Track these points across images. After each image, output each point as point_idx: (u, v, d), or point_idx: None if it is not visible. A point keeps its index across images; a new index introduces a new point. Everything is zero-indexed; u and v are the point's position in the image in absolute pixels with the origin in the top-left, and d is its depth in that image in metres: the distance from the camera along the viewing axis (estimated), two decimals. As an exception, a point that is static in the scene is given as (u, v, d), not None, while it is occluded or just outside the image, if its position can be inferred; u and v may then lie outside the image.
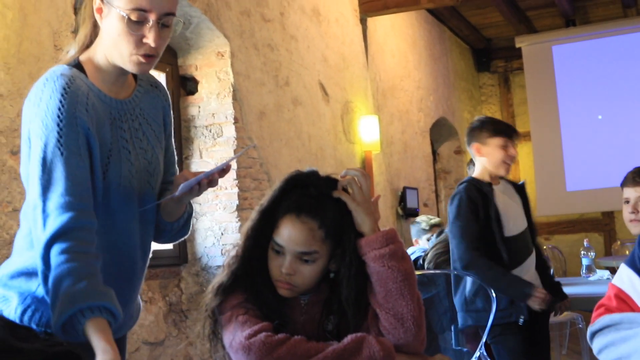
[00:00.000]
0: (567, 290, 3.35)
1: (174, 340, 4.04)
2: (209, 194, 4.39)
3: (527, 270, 3.17)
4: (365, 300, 1.63)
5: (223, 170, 1.74)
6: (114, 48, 1.63)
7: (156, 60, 1.66)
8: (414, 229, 4.99)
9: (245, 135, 4.55)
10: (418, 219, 5.07)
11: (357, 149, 6.16)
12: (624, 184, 3.10)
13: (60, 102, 1.55)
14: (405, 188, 7.03)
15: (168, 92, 1.92)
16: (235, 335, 1.57)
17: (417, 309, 1.59)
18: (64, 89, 1.56)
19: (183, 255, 4.37)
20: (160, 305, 4.00)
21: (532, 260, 3.23)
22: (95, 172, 1.61)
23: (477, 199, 3.13)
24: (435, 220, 4.96)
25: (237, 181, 4.42)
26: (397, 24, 7.48)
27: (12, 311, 1.60)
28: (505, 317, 3.08)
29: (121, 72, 1.69)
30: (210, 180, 1.72)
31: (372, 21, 6.72)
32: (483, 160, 3.21)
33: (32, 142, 1.56)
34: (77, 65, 1.66)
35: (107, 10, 1.62)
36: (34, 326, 1.59)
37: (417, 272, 1.66)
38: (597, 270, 4.54)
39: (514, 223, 3.18)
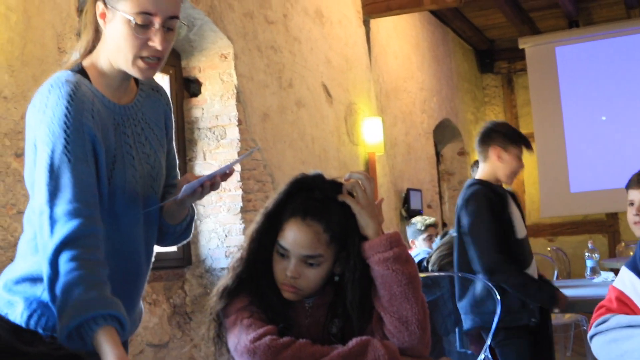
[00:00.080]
0: (571, 292, 3.35)
1: (178, 342, 4.05)
2: (212, 195, 4.40)
3: (533, 272, 3.19)
4: (369, 304, 1.63)
5: (226, 174, 1.74)
6: (119, 52, 1.62)
7: (161, 65, 1.66)
8: (409, 230, 5.00)
9: (248, 137, 4.55)
10: (413, 220, 5.09)
11: (360, 151, 6.16)
12: (629, 186, 3.09)
13: (67, 108, 1.55)
14: (408, 190, 7.03)
15: (169, 96, 1.91)
16: (240, 339, 1.57)
17: (421, 312, 1.59)
18: (70, 95, 1.56)
19: (187, 257, 4.37)
20: (164, 307, 4.00)
21: (534, 262, 3.25)
22: (101, 178, 1.60)
23: (494, 201, 3.12)
24: (430, 220, 4.98)
25: (240, 183, 4.42)
26: (400, 26, 7.47)
27: (17, 316, 1.59)
28: (517, 320, 3.07)
29: (125, 76, 1.69)
30: (212, 183, 1.72)
31: (375, 23, 6.72)
32: (498, 165, 3.20)
33: (38, 149, 1.55)
34: (81, 70, 1.66)
35: (112, 15, 1.61)
36: (40, 330, 1.59)
37: (421, 275, 1.65)
38: (602, 272, 4.52)
39: (520, 226, 3.20)
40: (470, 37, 9.55)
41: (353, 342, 1.56)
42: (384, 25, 7.00)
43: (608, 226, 9.47)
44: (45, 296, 1.55)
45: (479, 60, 10.18)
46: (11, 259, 1.71)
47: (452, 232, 3.64)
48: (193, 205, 1.86)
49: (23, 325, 1.59)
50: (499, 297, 2.80)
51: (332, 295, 1.67)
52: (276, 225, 1.63)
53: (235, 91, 4.48)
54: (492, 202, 3.10)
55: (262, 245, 1.64)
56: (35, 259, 1.59)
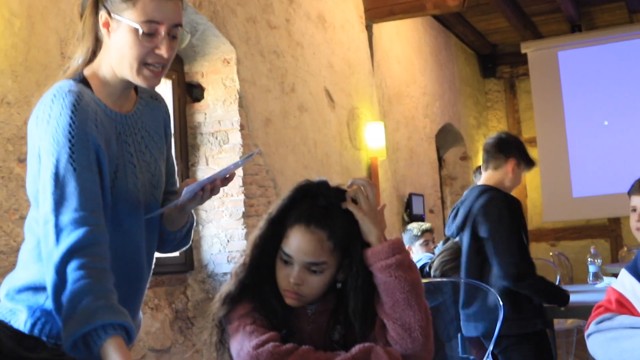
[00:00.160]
0: (574, 297, 3.35)
1: (180, 347, 4.04)
2: (214, 200, 4.40)
3: None
4: (372, 311, 1.63)
5: (226, 178, 1.75)
6: (124, 61, 1.62)
7: (164, 73, 1.67)
8: (406, 237, 4.99)
9: (251, 142, 4.55)
10: (409, 226, 5.09)
11: (362, 156, 6.16)
12: (632, 192, 3.09)
13: (71, 118, 1.55)
14: (411, 194, 7.03)
15: (171, 101, 1.92)
16: (243, 345, 1.57)
17: (424, 319, 1.59)
18: (74, 105, 1.56)
19: (189, 262, 4.37)
20: (166, 312, 4.00)
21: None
22: (105, 187, 1.61)
23: (512, 207, 3.14)
24: (426, 225, 4.98)
25: (243, 188, 4.43)
26: (403, 30, 7.48)
27: (21, 323, 1.59)
28: (531, 326, 3.09)
29: (127, 85, 1.70)
30: (213, 187, 1.72)
31: (377, 27, 6.72)
32: (509, 176, 3.26)
33: (42, 159, 1.56)
34: (83, 80, 1.66)
35: (116, 25, 1.61)
36: (43, 338, 1.59)
37: (424, 280, 1.65)
38: (604, 278, 4.52)
39: (526, 233, 3.23)
40: (473, 42, 9.56)
41: (356, 348, 1.57)
42: (386, 30, 7.00)
43: (610, 231, 9.45)
44: (49, 304, 1.54)
45: (481, 65, 10.18)
46: (13, 264, 1.71)
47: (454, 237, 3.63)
48: (192, 212, 1.87)
49: (26, 332, 1.59)
50: (501, 303, 2.80)
51: (335, 302, 1.67)
52: (280, 231, 1.63)
53: (237, 96, 4.49)
54: (510, 208, 3.12)
55: (265, 251, 1.64)
56: (37, 268, 1.59)
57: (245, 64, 4.61)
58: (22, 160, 3.01)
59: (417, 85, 7.72)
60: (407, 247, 4.99)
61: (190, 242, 1.94)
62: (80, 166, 1.54)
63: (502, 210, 3.12)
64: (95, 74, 1.68)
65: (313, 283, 1.61)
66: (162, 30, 1.61)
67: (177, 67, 4.49)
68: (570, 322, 5.31)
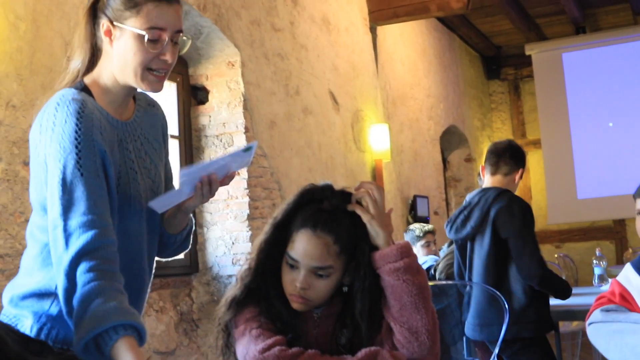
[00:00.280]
0: (579, 300, 3.35)
1: (185, 349, 4.04)
2: (219, 203, 4.40)
3: None
4: (379, 314, 1.62)
5: (227, 177, 1.75)
6: (128, 67, 1.64)
7: (167, 77, 1.70)
8: (407, 237, 4.99)
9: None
10: (411, 226, 5.09)
11: (367, 158, 6.16)
12: (637, 194, 3.07)
13: (77, 125, 1.56)
14: (415, 196, 7.02)
15: (176, 104, 1.94)
16: (249, 349, 1.57)
17: (431, 323, 1.59)
18: (79, 112, 1.57)
19: (194, 265, 4.37)
20: (171, 314, 4.00)
21: None
22: (111, 192, 1.62)
23: (530, 210, 3.22)
24: (428, 227, 4.98)
25: (247, 190, 4.43)
26: (407, 33, 7.48)
27: (27, 329, 1.59)
28: (546, 328, 3.10)
29: (128, 92, 1.72)
30: (211, 185, 1.72)
31: (381, 30, 6.72)
32: (514, 185, 3.35)
33: (49, 166, 1.56)
34: (84, 88, 1.67)
35: (119, 32, 1.63)
36: (50, 342, 1.59)
37: (429, 283, 1.65)
38: (609, 280, 4.50)
39: None
40: (477, 44, 9.55)
41: (362, 352, 1.56)
42: (390, 32, 7.00)
43: (615, 232, 9.44)
44: (54, 310, 1.55)
45: (485, 67, 10.17)
46: (19, 267, 1.72)
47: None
48: (192, 215, 1.88)
49: (33, 337, 1.59)
50: (507, 306, 2.79)
51: (341, 306, 1.67)
52: (285, 236, 1.63)
53: (242, 99, 4.49)
54: (529, 210, 3.21)
55: (271, 255, 1.64)
56: (42, 275, 1.60)
57: (250, 67, 4.62)
58: (27, 164, 3.02)
59: (421, 87, 7.72)
60: None
61: (190, 246, 1.95)
62: (87, 171, 1.55)
63: (525, 210, 3.18)
64: (96, 82, 1.69)
65: (319, 287, 1.61)
66: (166, 37, 1.64)
67: (182, 70, 4.49)
68: (575, 325, 5.29)
